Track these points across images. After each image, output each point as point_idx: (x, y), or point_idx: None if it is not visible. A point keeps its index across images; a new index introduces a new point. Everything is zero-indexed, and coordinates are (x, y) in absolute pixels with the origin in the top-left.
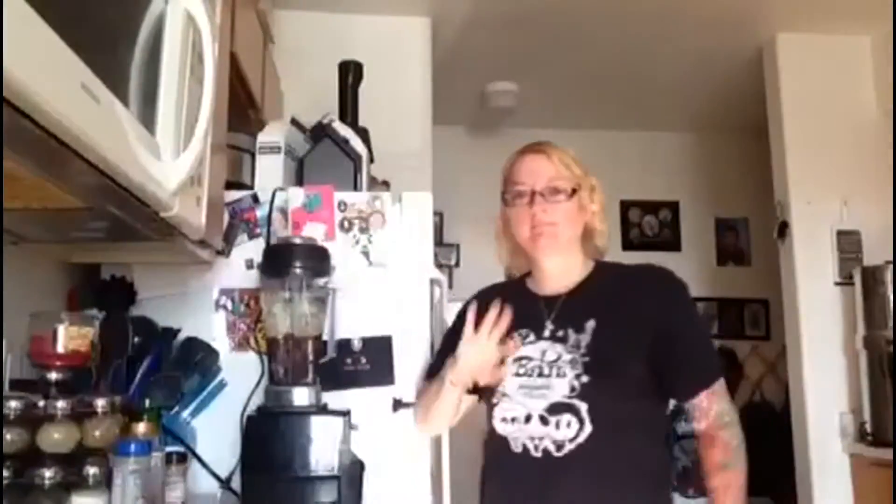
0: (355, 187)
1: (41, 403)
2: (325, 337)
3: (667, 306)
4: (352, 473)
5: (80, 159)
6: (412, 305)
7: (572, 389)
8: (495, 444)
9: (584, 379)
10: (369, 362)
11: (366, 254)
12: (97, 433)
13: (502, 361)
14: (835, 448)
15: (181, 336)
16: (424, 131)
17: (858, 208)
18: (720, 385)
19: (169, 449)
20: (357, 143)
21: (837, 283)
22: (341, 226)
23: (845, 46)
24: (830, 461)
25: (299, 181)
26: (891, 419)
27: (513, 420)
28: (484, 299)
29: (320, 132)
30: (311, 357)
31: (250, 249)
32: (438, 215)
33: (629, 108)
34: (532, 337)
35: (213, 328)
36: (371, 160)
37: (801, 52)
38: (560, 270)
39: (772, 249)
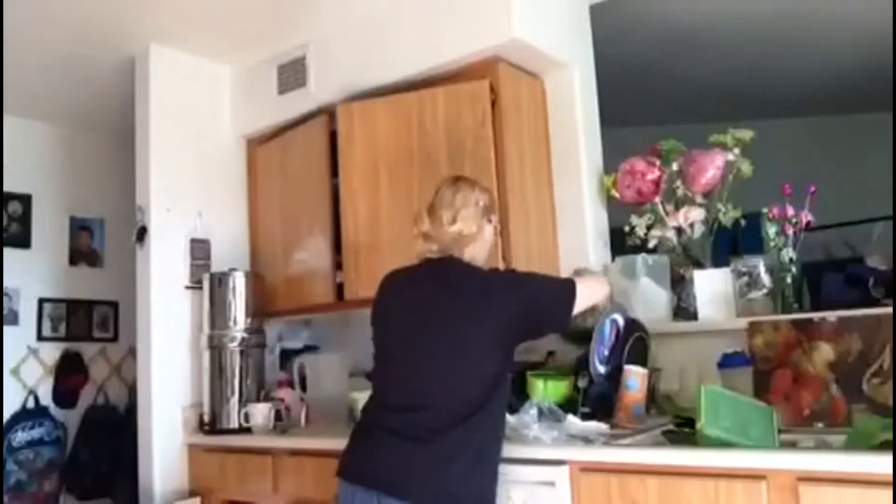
0: None
1: None
2: None
3: None
4: None
5: None
6: None
7: None
8: None
9: None
10: None
11: None
12: None
13: None
14: (177, 441)
15: None
16: None
17: (210, 220)
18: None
19: None
20: None
21: (188, 287)
22: None
23: (209, 71)
24: (172, 453)
25: None
26: (225, 408)
27: None
28: None
29: None
30: None
31: None
32: None
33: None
34: None
35: None
36: None
37: (172, 67)
38: None
39: (126, 252)
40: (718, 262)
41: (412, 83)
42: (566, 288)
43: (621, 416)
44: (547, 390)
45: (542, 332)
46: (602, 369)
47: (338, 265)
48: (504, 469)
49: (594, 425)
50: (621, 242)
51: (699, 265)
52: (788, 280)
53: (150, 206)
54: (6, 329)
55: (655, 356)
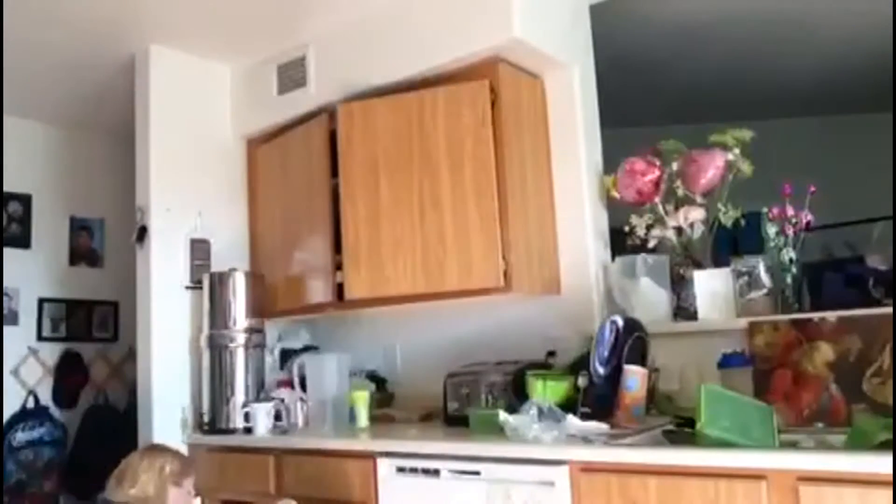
0: None
1: None
2: None
3: None
4: None
5: None
6: None
7: None
8: None
9: None
10: None
11: None
12: None
13: None
14: (177, 440)
15: None
16: None
17: (210, 220)
18: None
19: None
20: None
21: (188, 287)
22: None
23: (209, 71)
24: None
25: None
26: (225, 409)
27: None
28: None
29: None
30: None
31: None
32: None
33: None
34: None
35: None
36: None
37: (172, 67)
38: None
39: (126, 252)
40: (718, 262)
41: (412, 83)
42: None
43: (621, 416)
44: (546, 390)
45: None
46: (602, 370)
47: (338, 265)
48: (504, 469)
49: (594, 425)
50: (621, 242)
51: (699, 265)
52: (788, 280)
53: (150, 206)
54: (6, 329)
55: (655, 356)
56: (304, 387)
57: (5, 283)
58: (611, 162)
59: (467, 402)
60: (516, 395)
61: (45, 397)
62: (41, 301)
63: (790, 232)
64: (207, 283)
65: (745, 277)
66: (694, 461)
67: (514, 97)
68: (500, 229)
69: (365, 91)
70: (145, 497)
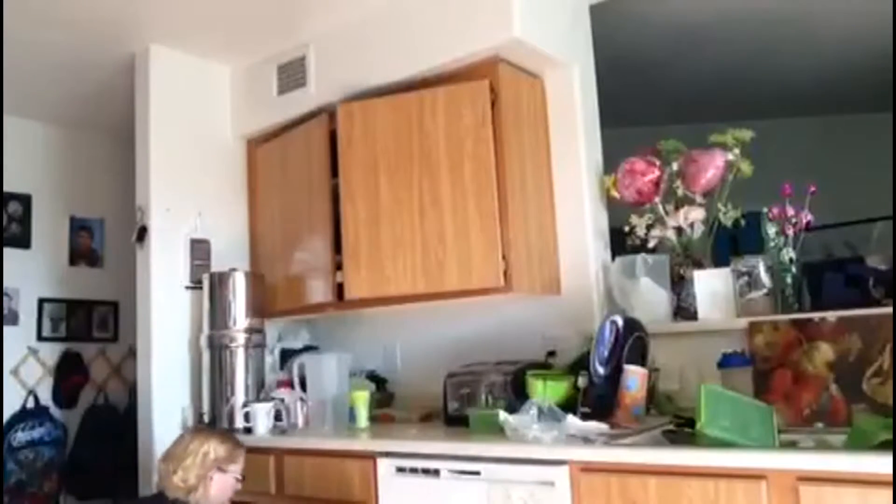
0: None
1: None
2: None
3: None
4: None
5: None
6: None
7: None
8: None
9: None
10: None
11: None
12: None
13: None
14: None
15: None
16: None
17: (210, 220)
18: None
19: None
20: None
21: (188, 287)
22: None
23: (209, 71)
24: None
25: None
26: (225, 408)
27: None
28: None
29: None
30: None
31: None
32: None
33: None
34: None
35: None
36: None
37: (172, 67)
38: None
39: (126, 252)
40: (718, 262)
41: (412, 83)
42: None
43: (621, 416)
44: (546, 390)
45: None
46: (602, 370)
47: (338, 265)
48: (504, 469)
49: (594, 425)
50: (621, 242)
51: (699, 265)
52: (788, 280)
53: (150, 206)
54: (6, 329)
55: (655, 356)
56: (304, 387)
57: (5, 283)
58: (611, 162)
59: (467, 402)
60: (516, 395)
61: (45, 397)
62: (41, 301)
63: (790, 232)
64: (207, 283)
65: (745, 277)
66: (694, 461)
67: (514, 97)
68: (499, 229)
69: (365, 91)
70: (187, 488)
